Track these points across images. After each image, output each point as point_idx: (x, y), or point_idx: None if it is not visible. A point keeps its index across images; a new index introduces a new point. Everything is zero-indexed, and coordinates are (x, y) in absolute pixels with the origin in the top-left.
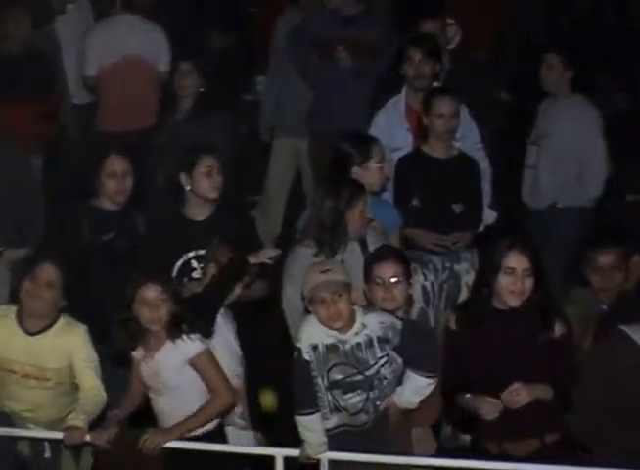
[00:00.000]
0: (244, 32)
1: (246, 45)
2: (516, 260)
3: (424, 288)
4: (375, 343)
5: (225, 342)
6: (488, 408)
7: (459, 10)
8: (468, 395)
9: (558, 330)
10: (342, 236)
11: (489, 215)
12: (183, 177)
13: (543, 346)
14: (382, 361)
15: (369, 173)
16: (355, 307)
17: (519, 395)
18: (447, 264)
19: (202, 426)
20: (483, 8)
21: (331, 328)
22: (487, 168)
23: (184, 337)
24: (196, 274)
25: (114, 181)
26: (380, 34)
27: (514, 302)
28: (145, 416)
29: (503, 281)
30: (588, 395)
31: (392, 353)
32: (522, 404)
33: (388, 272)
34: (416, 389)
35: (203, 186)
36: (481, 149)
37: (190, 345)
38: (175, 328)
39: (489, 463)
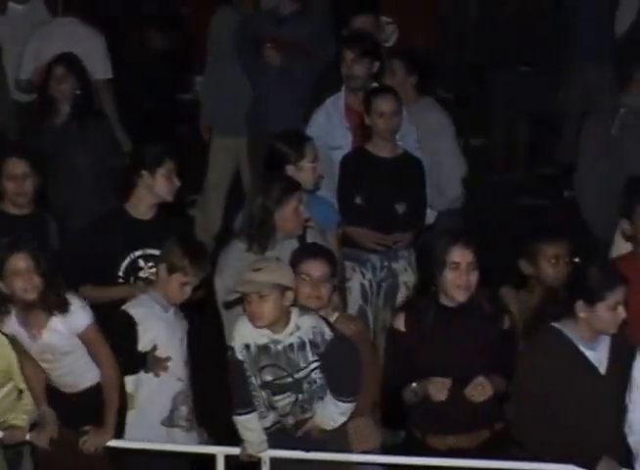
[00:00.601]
0: (180, 32)
1: (183, 45)
2: (460, 255)
3: (362, 286)
4: (307, 346)
5: (171, 345)
6: (436, 388)
7: (397, 7)
8: (413, 384)
9: (506, 323)
10: (272, 234)
11: (430, 215)
12: (146, 176)
13: (494, 340)
14: (313, 366)
15: (302, 172)
16: (292, 308)
17: (484, 388)
18: (385, 263)
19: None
20: (421, 6)
21: (255, 326)
22: (427, 168)
23: (71, 309)
24: (143, 273)
25: (14, 183)
26: (313, 34)
27: (461, 296)
28: None
29: (449, 276)
30: (522, 391)
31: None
32: (485, 398)
33: (318, 270)
34: (336, 413)
35: (162, 188)
36: (420, 148)
37: (77, 317)
38: (51, 301)
39: (434, 459)
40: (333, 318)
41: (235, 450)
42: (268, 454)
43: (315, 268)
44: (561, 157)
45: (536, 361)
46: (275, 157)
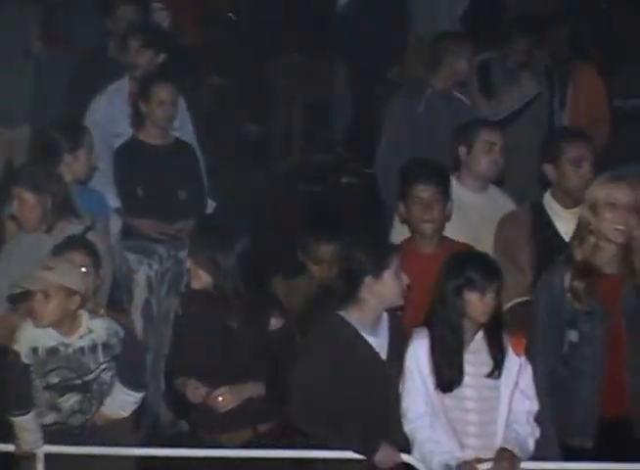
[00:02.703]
0: None
1: None
2: None
3: (148, 278)
4: (99, 349)
5: None
6: (192, 393)
7: None
8: (177, 381)
9: (275, 323)
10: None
11: (209, 204)
12: None
13: (259, 335)
14: (103, 366)
15: (78, 162)
16: (82, 311)
17: (224, 400)
18: (172, 252)
19: None
20: None
21: (34, 325)
22: (200, 156)
23: None
24: None
25: None
26: (79, 22)
27: (194, 284)
28: None
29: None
30: (305, 381)
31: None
32: (228, 408)
33: (77, 262)
34: (129, 403)
35: None
36: (196, 138)
37: None
38: None
39: (200, 451)
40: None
41: (7, 447)
42: (43, 450)
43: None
44: (338, 143)
45: (319, 350)
46: (50, 145)
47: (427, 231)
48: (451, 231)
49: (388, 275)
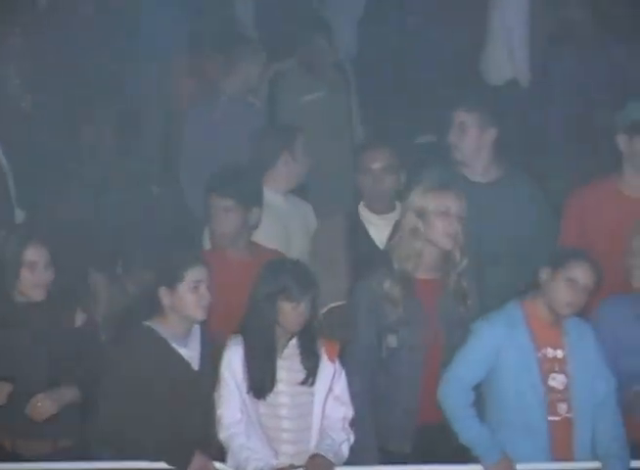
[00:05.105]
0: None
1: None
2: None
3: None
4: None
5: None
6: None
7: None
8: None
9: (78, 320)
10: None
11: (19, 215)
12: None
13: (65, 339)
14: None
15: None
16: None
17: (42, 406)
18: None
19: None
20: None
21: None
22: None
23: None
24: None
25: None
26: None
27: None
28: None
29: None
30: (111, 392)
31: None
32: (48, 415)
33: None
34: None
35: None
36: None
37: None
38: None
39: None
40: None
41: None
42: None
43: None
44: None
45: (127, 362)
46: None
47: (222, 242)
48: (265, 234)
49: (182, 289)
